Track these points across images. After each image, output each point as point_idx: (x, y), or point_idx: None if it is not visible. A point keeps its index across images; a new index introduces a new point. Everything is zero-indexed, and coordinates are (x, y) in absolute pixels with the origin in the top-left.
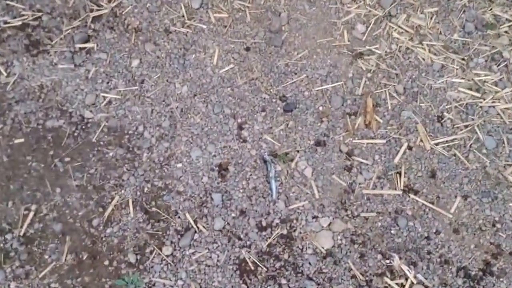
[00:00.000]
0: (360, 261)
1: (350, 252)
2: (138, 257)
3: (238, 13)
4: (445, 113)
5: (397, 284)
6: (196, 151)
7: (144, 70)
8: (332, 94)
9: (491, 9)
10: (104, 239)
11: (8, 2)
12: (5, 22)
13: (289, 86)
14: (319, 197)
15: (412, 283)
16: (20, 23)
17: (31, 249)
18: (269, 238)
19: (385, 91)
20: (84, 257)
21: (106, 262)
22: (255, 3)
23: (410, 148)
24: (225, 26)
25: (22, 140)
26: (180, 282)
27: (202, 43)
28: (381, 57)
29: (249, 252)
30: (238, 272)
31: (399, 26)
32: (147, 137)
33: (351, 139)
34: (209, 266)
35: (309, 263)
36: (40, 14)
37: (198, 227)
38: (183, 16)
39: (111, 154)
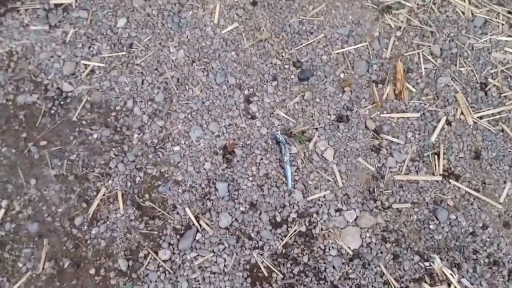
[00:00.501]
0: (394, 263)
1: (381, 252)
2: (130, 263)
3: None
4: (489, 79)
5: None
6: (196, 130)
7: (132, 31)
8: (355, 58)
9: None
10: (89, 241)
11: None
12: None
13: (304, 49)
14: (343, 185)
15: None
16: None
17: (2, 256)
18: (285, 237)
19: (418, 53)
20: (66, 265)
21: (92, 271)
22: None
23: (449, 123)
24: None
25: None
26: None
27: None
28: (412, 11)
29: (261, 254)
30: (249, 280)
31: None
32: (138, 114)
33: (378, 113)
34: (214, 273)
35: (333, 267)
36: None
37: (200, 225)
38: None
39: (95, 135)
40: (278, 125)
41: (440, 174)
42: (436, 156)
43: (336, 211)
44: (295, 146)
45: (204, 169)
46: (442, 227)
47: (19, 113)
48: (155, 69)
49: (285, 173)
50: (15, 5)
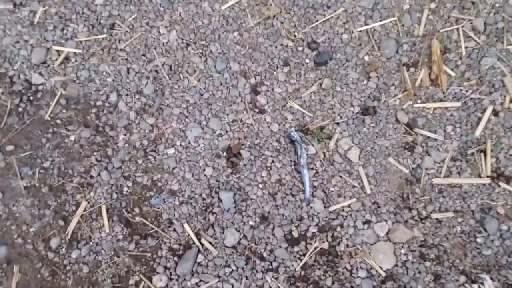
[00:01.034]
0: (435, 286)
1: (419, 273)
2: None
3: None
4: None
5: None
6: (193, 129)
7: (114, 9)
8: (381, 36)
9: None
10: (68, 267)
11: None
12: None
13: (320, 27)
14: (371, 192)
15: None
16: None
17: None
18: (304, 256)
19: (456, 29)
20: None
21: None
22: None
23: (496, 113)
24: None
25: None
26: None
27: None
28: None
29: (276, 278)
30: None
31: None
32: (123, 111)
33: (411, 102)
34: None
35: None
36: None
37: (202, 244)
38: None
39: (72, 138)
40: (292, 120)
41: (487, 176)
42: (482, 154)
43: (364, 223)
44: (312, 145)
45: (205, 175)
46: (492, 241)
47: None
48: (142, 55)
49: (301, 178)
50: None
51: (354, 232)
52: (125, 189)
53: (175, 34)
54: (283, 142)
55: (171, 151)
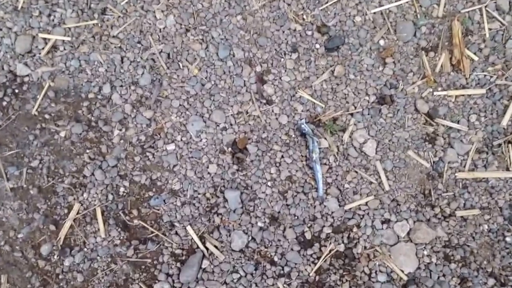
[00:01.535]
0: None
1: (444, 276)
2: None
3: None
4: None
5: None
6: (195, 122)
7: None
8: (397, 18)
9: None
10: (61, 276)
11: None
12: None
13: (330, 9)
14: (389, 189)
15: None
16: None
17: None
18: (318, 259)
19: (479, 9)
20: None
21: None
22: None
23: None
24: None
25: None
26: None
27: None
28: None
29: (289, 284)
30: None
31: None
32: (118, 103)
33: (431, 90)
34: None
35: None
36: None
37: (207, 248)
38: None
39: (62, 134)
40: (302, 111)
41: None
42: (510, 145)
43: (383, 222)
44: (325, 138)
45: (209, 173)
46: None
47: None
48: (137, 43)
49: (314, 174)
50: None
51: (372, 232)
52: (122, 189)
53: (172, 19)
54: (293, 136)
55: (171, 147)
